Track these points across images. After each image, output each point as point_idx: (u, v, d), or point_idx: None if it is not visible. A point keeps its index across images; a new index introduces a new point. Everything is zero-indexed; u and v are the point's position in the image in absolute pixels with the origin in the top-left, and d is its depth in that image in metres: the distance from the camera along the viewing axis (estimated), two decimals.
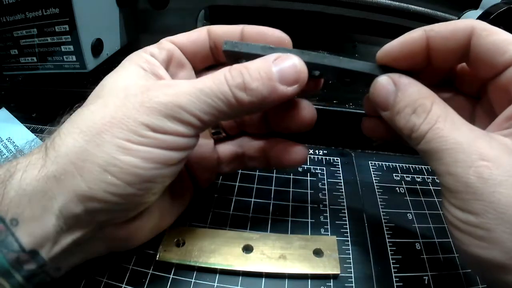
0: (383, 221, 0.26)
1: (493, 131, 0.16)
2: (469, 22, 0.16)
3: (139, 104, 0.16)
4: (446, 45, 0.17)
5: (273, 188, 0.28)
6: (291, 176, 0.29)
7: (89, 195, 0.16)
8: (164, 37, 0.21)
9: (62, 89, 0.35)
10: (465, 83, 0.20)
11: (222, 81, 0.16)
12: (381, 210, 0.26)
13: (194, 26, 0.34)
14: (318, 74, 0.19)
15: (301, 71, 0.17)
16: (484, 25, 0.16)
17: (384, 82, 0.17)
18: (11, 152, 0.31)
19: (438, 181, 0.16)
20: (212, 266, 0.22)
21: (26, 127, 0.33)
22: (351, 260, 0.23)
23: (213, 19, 0.40)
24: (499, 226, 0.13)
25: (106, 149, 0.16)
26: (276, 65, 0.17)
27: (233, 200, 0.27)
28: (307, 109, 0.21)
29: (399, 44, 0.17)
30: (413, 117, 0.16)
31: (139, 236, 0.20)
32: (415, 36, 0.17)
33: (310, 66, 0.18)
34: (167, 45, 0.20)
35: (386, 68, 0.18)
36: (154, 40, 0.21)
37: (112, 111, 0.16)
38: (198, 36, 0.21)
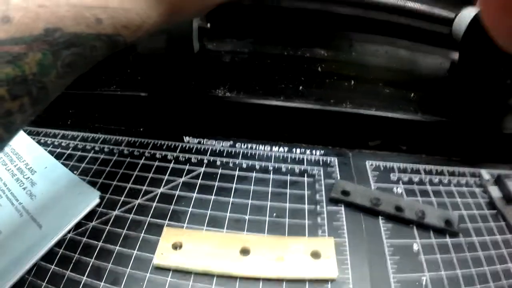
0: (380, 222, 0.25)
1: None
2: None
3: None
4: None
5: (270, 189, 0.28)
6: (288, 177, 0.29)
7: None
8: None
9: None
10: None
11: None
12: None
13: (189, 24, 0.34)
14: None
15: None
16: None
17: None
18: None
19: None
20: (209, 269, 0.22)
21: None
22: (349, 262, 0.23)
23: (209, 16, 0.40)
24: None
25: None
26: None
27: (230, 202, 0.26)
28: None
29: None
30: None
31: None
32: None
33: None
34: None
35: None
36: None
37: None
38: None
